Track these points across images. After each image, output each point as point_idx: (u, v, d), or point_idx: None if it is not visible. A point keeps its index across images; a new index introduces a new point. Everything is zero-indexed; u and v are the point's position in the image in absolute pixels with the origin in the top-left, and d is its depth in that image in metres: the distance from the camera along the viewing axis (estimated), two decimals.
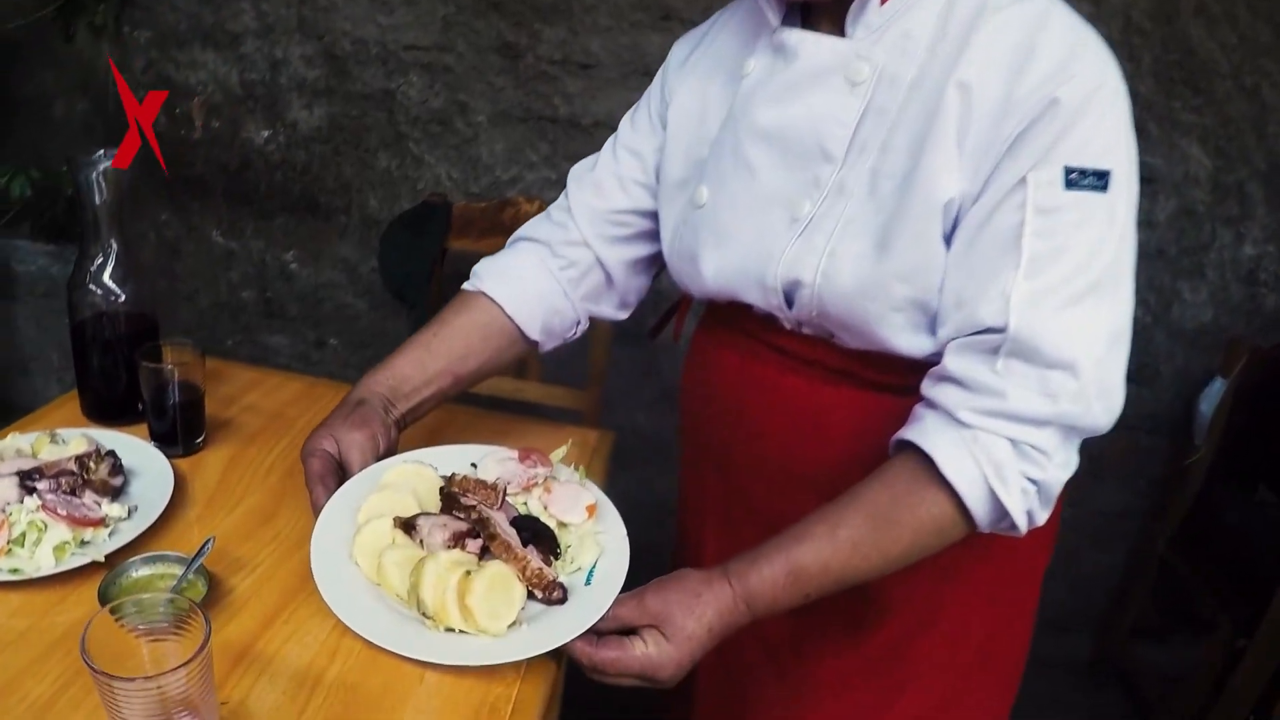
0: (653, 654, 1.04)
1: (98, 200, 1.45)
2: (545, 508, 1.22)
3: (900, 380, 1.16)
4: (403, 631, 1.05)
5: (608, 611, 1.07)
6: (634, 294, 1.49)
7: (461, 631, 1.05)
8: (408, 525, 1.14)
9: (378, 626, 1.05)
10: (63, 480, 1.25)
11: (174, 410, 1.41)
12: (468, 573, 1.07)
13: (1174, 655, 2.71)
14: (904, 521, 1.06)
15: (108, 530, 1.22)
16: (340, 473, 1.22)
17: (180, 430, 1.43)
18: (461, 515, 1.15)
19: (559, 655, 1.07)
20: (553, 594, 1.10)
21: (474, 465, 1.27)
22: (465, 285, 1.42)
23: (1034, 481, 1.03)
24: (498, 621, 1.05)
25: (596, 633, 1.06)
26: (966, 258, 1.06)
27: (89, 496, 1.24)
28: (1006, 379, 1.02)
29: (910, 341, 1.12)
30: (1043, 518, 1.06)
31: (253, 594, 1.15)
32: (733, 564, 1.09)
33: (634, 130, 1.42)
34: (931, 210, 1.06)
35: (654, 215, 1.39)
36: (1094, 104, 1.01)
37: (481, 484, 1.19)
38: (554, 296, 1.41)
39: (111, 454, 1.32)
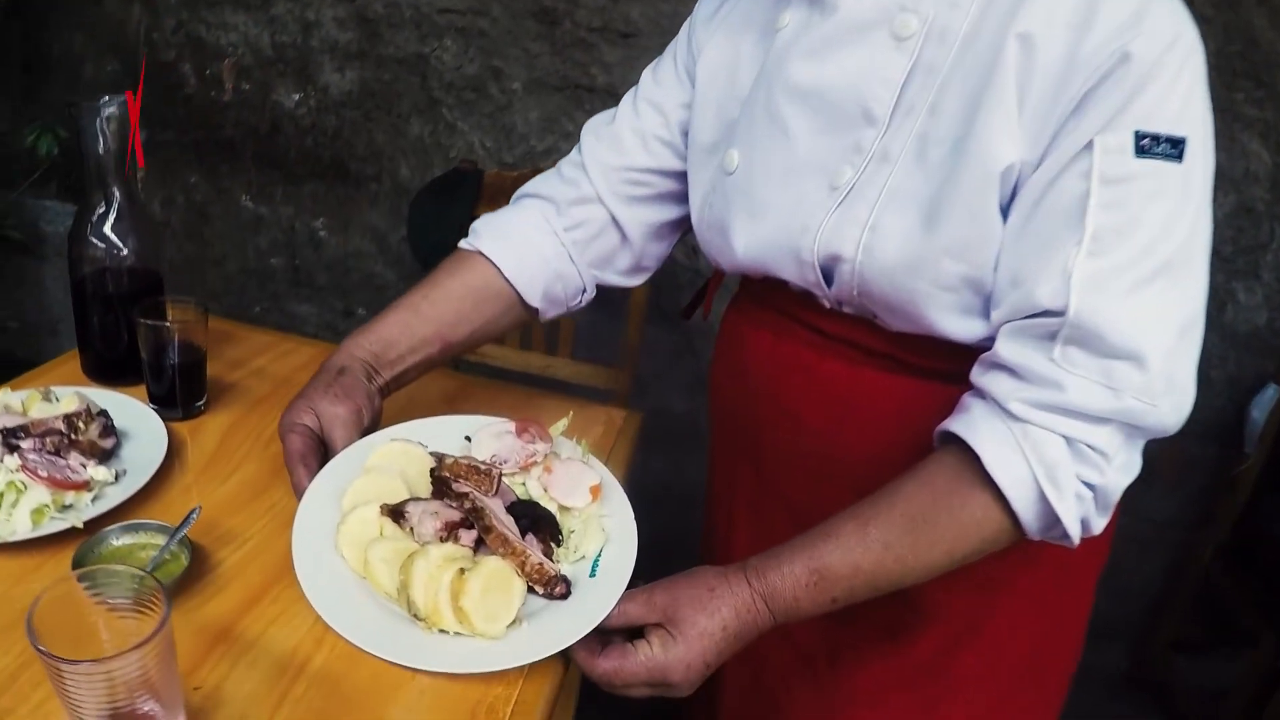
0: (658, 655, 0.94)
1: (100, 149, 1.35)
2: (545, 489, 1.11)
3: (948, 366, 1.05)
4: (392, 634, 0.94)
5: (614, 609, 0.97)
6: (651, 260, 1.36)
7: (457, 633, 0.95)
8: (396, 513, 1.03)
9: (364, 628, 0.94)
10: (48, 440, 1.15)
11: (173, 371, 1.32)
12: (462, 571, 0.96)
13: (1213, 669, 2.57)
14: (943, 524, 0.95)
15: (91, 494, 1.12)
16: (322, 450, 1.12)
17: (180, 392, 1.33)
18: (454, 502, 1.04)
19: (565, 652, 0.96)
20: (555, 589, 0.99)
21: (468, 439, 1.16)
22: (461, 243, 1.30)
23: (1090, 486, 0.92)
24: (495, 624, 0.94)
25: (602, 631, 0.96)
26: (1024, 232, 0.94)
27: (74, 458, 1.15)
28: (1064, 368, 0.90)
29: (960, 324, 1.01)
30: (1099, 526, 0.95)
31: (239, 571, 1.06)
32: (753, 560, 0.99)
33: (656, 83, 1.29)
34: (987, 179, 0.94)
35: (677, 176, 1.28)
36: (1169, 61, 0.89)
37: (475, 469, 1.07)
38: (558, 260, 1.29)
39: (103, 414, 1.23)
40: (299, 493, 1.06)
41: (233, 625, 0.98)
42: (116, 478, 1.16)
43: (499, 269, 1.25)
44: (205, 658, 0.94)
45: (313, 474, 1.08)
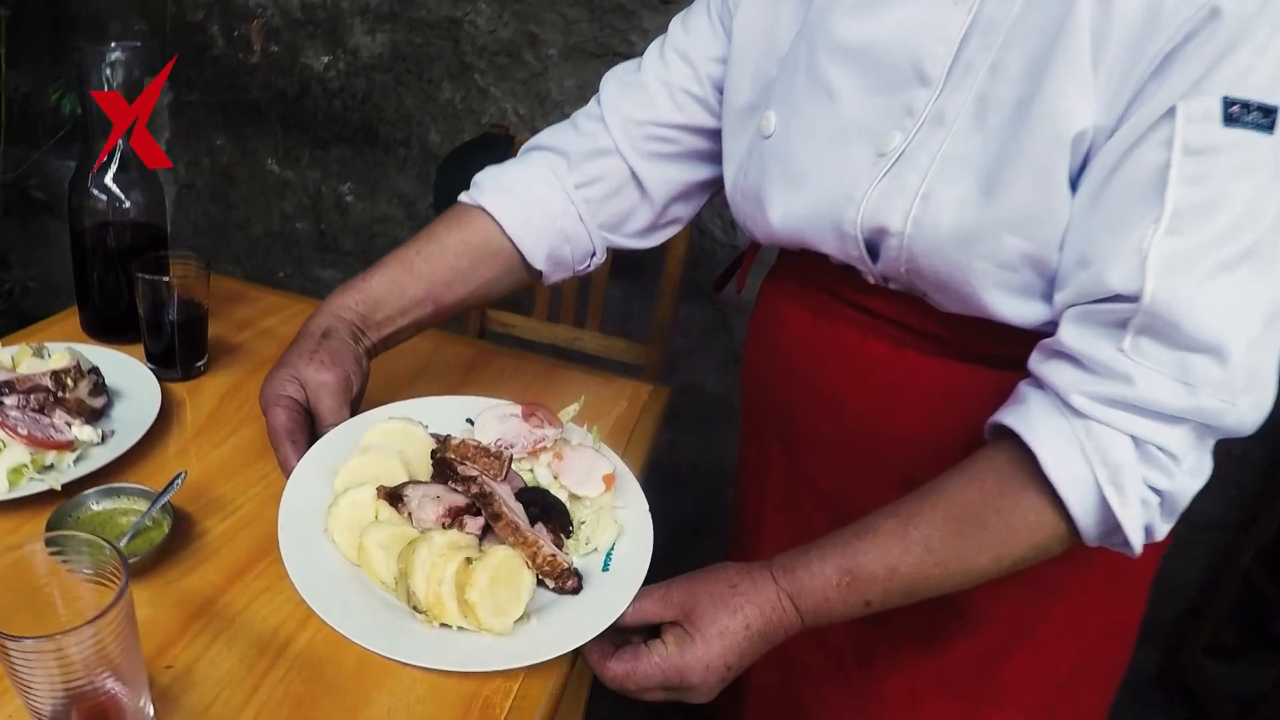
0: (674, 656, 0.86)
1: None
2: (555, 477, 1.01)
3: (1002, 351, 0.95)
4: (389, 627, 0.85)
5: (629, 605, 0.88)
6: (672, 221, 1.25)
7: (460, 628, 0.86)
8: (394, 496, 0.93)
9: (358, 621, 0.84)
10: (33, 397, 1.08)
11: (171, 329, 1.24)
12: (468, 560, 0.86)
13: (1246, 675, 2.45)
14: (992, 527, 0.86)
15: (74, 455, 1.04)
16: (310, 424, 1.02)
17: (178, 351, 1.25)
18: (459, 486, 0.95)
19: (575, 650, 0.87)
20: (566, 583, 0.90)
21: (470, 422, 1.06)
22: (461, 196, 1.19)
23: (1157, 491, 0.82)
24: (503, 618, 0.85)
25: (616, 630, 0.88)
26: (1095, 206, 0.83)
27: (59, 416, 1.07)
28: (1136, 360, 0.80)
29: (1018, 307, 0.90)
30: (1162, 533, 0.85)
31: (225, 541, 0.97)
32: (781, 557, 0.91)
33: (687, 33, 1.17)
34: (1056, 145, 0.84)
35: (706, 134, 1.17)
36: (1263, 20, 0.77)
37: (483, 451, 0.97)
38: (566, 219, 1.18)
39: (94, 372, 1.15)
40: (286, 472, 0.97)
41: (213, 599, 0.90)
42: (103, 438, 1.08)
43: (500, 226, 1.15)
44: (181, 633, 0.86)
45: (301, 451, 0.99)
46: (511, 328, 2.18)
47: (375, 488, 0.92)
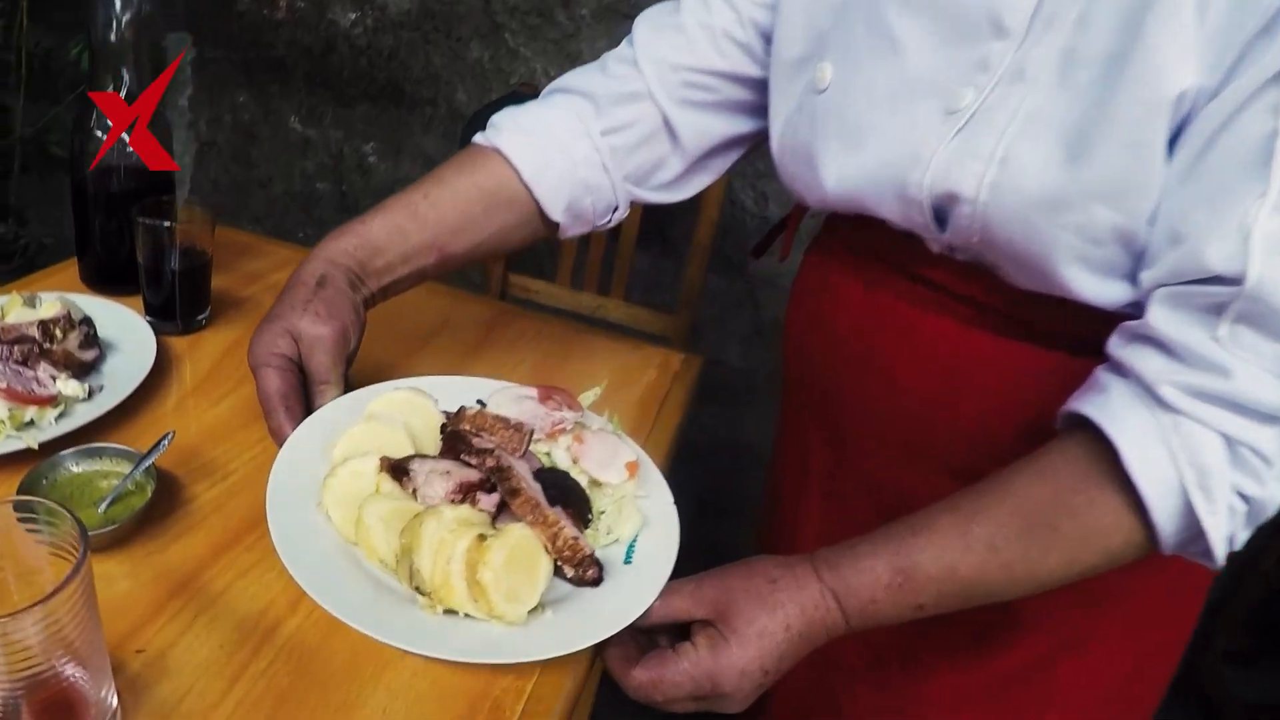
0: (706, 659, 0.75)
1: (112, 34, 1.17)
2: (575, 461, 0.90)
3: (1078, 333, 0.84)
4: (388, 610, 0.74)
5: (655, 601, 0.78)
6: (702, 176, 1.12)
7: (466, 615, 0.75)
8: (398, 469, 0.82)
9: (354, 603, 0.73)
10: (17, 348, 0.98)
11: (172, 278, 1.13)
12: (481, 537, 0.75)
13: (1262, 681, 2.37)
14: (1064, 528, 0.75)
15: (57, 411, 0.94)
16: (304, 387, 0.92)
17: (179, 303, 1.15)
18: (472, 461, 0.84)
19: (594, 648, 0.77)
20: (587, 572, 0.79)
21: (481, 404, 0.95)
22: (476, 137, 1.07)
23: (1245, 498, 0.71)
24: (517, 605, 0.74)
25: (638, 630, 0.78)
26: (1192, 177, 0.72)
27: (44, 369, 0.97)
28: (1233, 350, 0.69)
29: (1099, 286, 0.79)
30: (1241, 543, 0.74)
31: (214, 509, 0.87)
32: (825, 551, 0.80)
33: None
34: (1153, 106, 0.72)
35: (748, 83, 1.05)
36: None
37: (502, 421, 0.87)
38: (589, 168, 1.05)
39: (86, 322, 1.05)
40: (279, 441, 0.87)
41: (196, 574, 0.79)
42: (90, 394, 0.98)
43: (517, 171, 1.02)
44: (158, 612, 0.76)
45: (296, 417, 0.88)
46: (533, 293, 2.08)
47: (378, 459, 0.82)
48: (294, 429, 0.86)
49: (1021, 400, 0.88)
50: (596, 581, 0.79)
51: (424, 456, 0.83)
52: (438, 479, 0.81)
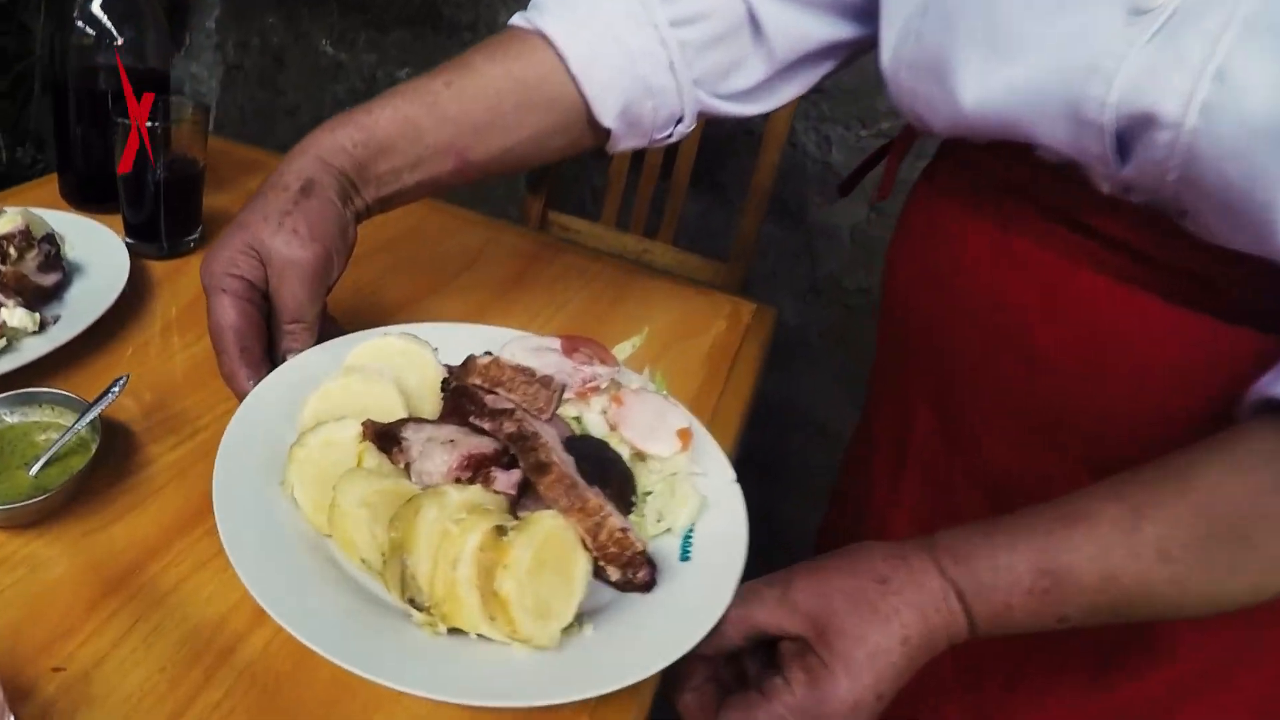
0: (806, 698, 0.56)
1: None
2: (613, 428, 0.69)
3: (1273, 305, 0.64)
4: (372, 632, 0.53)
5: (728, 610, 0.58)
6: (785, 87, 0.90)
7: (480, 636, 0.54)
8: (386, 436, 0.60)
9: (324, 618, 0.52)
10: None
11: (155, 190, 0.93)
12: (498, 530, 0.54)
13: None
14: (1259, 539, 0.57)
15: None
16: (267, 323, 0.71)
17: (164, 221, 0.95)
18: (484, 426, 0.63)
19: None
20: (637, 574, 0.59)
21: (489, 355, 0.72)
22: (515, 18, 0.85)
23: None
24: (548, 623, 0.53)
25: (701, 652, 0.57)
26: None
27: None
28: None
29: None
30: None
31: (174, 475, 0.67)
32: (945, 537, 0.60)
33: None
34: None
35: None
36: None
37: (524, 374, 0.66)
38: (652, 65, 0.83)
39: (48, 240, 0.86)
40: (239, 393, 0.67)
41: (142, 564, 0.60)
42: (41, 326, 0.79)
43: (564, 60, 0.80)
44: (87, 615, 0.56)
45: (254, 362, 0.68)
46: (574, 233, 1.88)
47: (360, 423, 0.60)
48: (250, 377, 0.66)
49: (1191, 382, 0.68)
50: (649, 586, 0.59)
51: (421, 421, 0.62)
52: (438, 450, 0.59)
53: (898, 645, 0.57)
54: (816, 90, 0.89)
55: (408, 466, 0.58)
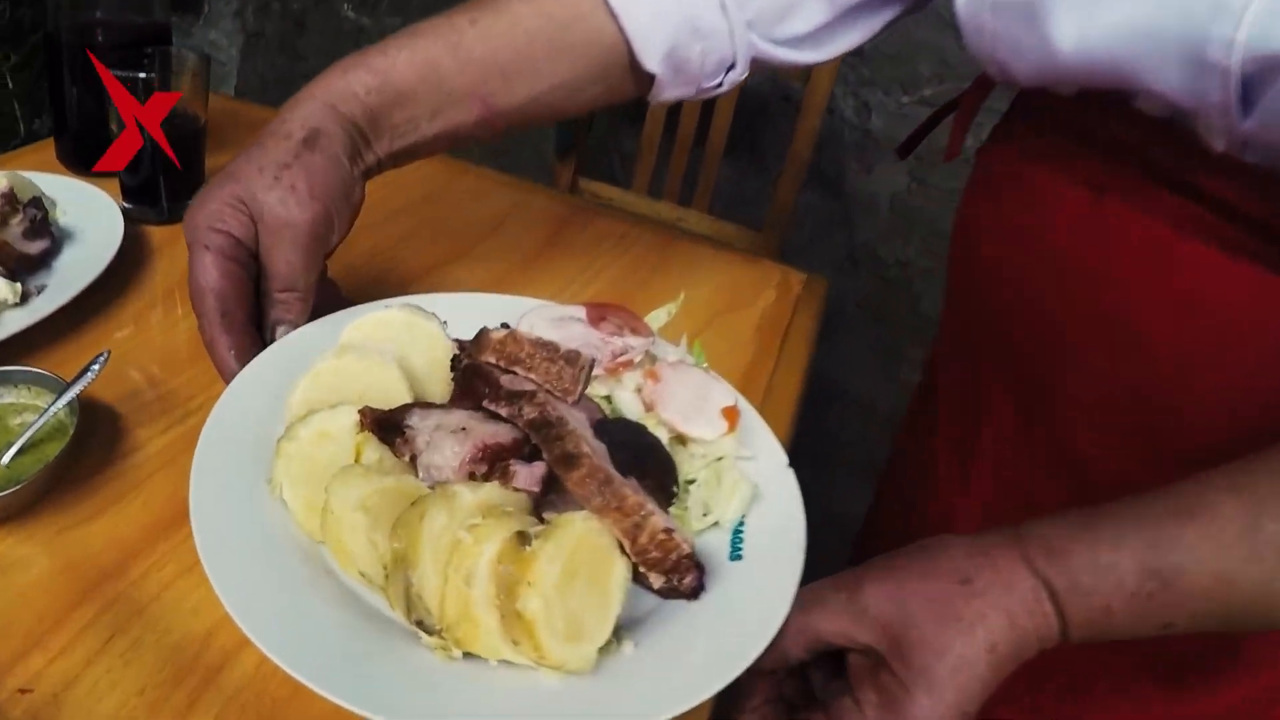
0: None
1: None
2: (649, 408, 0.61)
3: None
4: (375, 659, 0.45)
5: (788, 620, 0.50)
6: (846, 34, 0.80)
7: (503, 661, 0.46)
8: (388, 425, 0.52)
9: (319, 646, 0.44)
10: None
11: (152, 150, 0.86)
12: (519, 536, 0.46)
13: None
14: None
15: None
16: (254, 287, 0.63)
17: (163, 183, 0.87)
18: (501, 411, 0.55)
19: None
20: (683, 580, 0.51)
21: (506, 327, 0.63)
22: None
23: None
24: (582, 645, 0.45)
25: (758, 668, 0.49)
26: None
27: None
28: None
29: None
30: None
31: (162, 464, 0.60)
32: (1036, 527, 0.52)
33: None
34: None
35: None
36: None
37: (545, 349, 0.57)
38: (701, 3, 0.74)
39: (34, 204, 0.78)
40: (217, 363, 0.59)
41: (120, 569, 0.52)
42: (24, 297, 0.71)
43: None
44: (58, 627, 0.49)
45: (236, 329, 0.60)
46: (605, 200, 1.81)
47: (358, 410, 0.52)
48: (231, 346, 0.59)
49: None
50: (696, 592, 0.51)
51: (428, 406, 0.54)
52: (448, 440, 0.51)
53: (984, 655, 0.49)
54: (855, 53, 0.80)
55: (413, 460, 0.50)
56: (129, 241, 0.79)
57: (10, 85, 2.24)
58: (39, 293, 0.73)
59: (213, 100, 0.94)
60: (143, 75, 0.83)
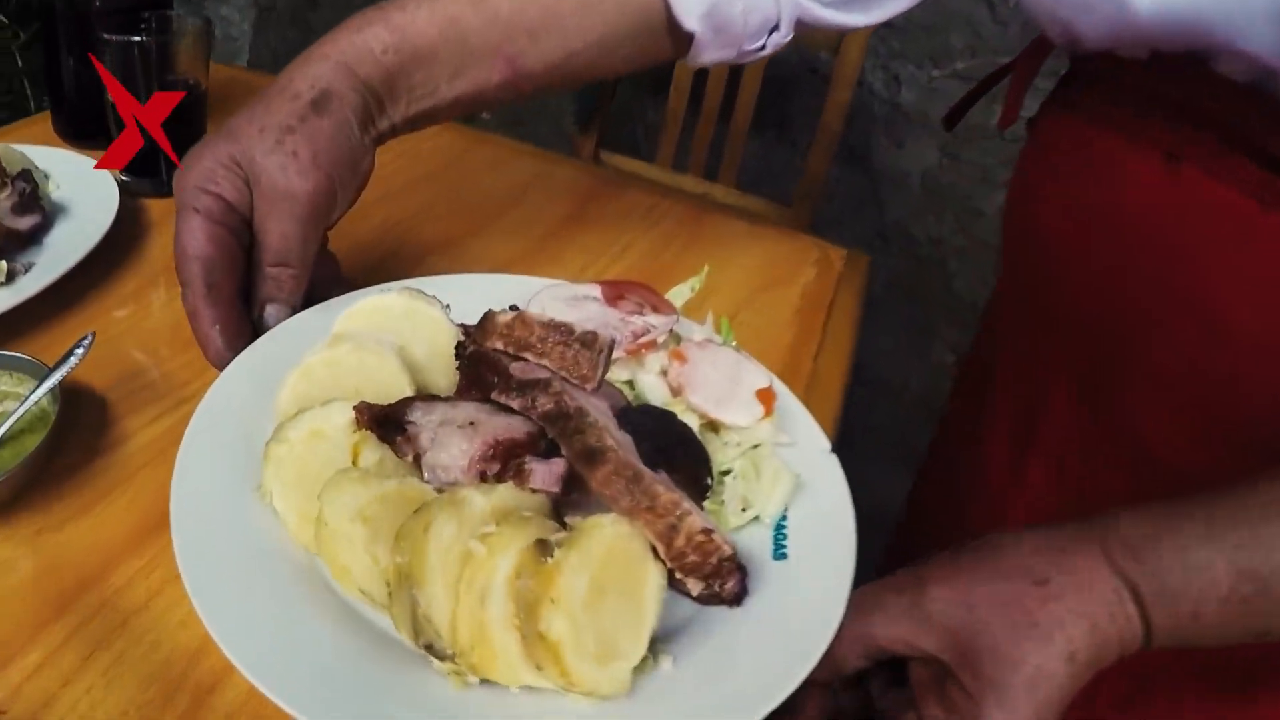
0: None
1: None
2: (677, 393, 0.56)
3: None
4: (380, 689, 0.40)
5: (842, 627, 0.45)
6: None
7: (525, 687, 0.41)
8: (388, 423, 0.47)
9: (313, 674, 0.39)
10: None
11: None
12: (539, 545, 0.41)
13: None
14: None
15: None
16: (246, 259, 0.58)
17: (160, 154, 0.82)
18: (513, 403, 0.49)
19: None
20: (725, 584, 0.46)
21: (515, 309, 0.57)
22: None
23: None
24: (614, 665, 0.40)
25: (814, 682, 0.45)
26: None
27: None
28: None
29: None
30: None
31: (151, 456, 0.55)
32: (1114, 522, 0.48)
33: None
34: None
35: None
36: None
37: (559, 331, 0.52)
38: None
39: (24, 177, 0.74)
40: (199, 337, 0.54)
41: (104, 574, 0.47)
42: (10, 275, 0.67)
43: None
44: (35, 639, 0.44)
45: (222, 301, 0.55)
46: (628, 173, 1.77)
47: (354, 407, 0.47)
48: (215, 320, 0.54)
49: None
50: (739, 598, 0.46)
51: (431, 399, 0.49)
52: (455, 436, 0.46)
53: (1062, 664, 0.45)
54: (886, 24, 0.74)
55: (417, 460, 0.45)
56: (125, 216, 0.75)
57: (20, 63, 2.21)
58: (26, 271, 0.68)
59: (223, 70, 0.89)
60: (139, 39, 0.78)
